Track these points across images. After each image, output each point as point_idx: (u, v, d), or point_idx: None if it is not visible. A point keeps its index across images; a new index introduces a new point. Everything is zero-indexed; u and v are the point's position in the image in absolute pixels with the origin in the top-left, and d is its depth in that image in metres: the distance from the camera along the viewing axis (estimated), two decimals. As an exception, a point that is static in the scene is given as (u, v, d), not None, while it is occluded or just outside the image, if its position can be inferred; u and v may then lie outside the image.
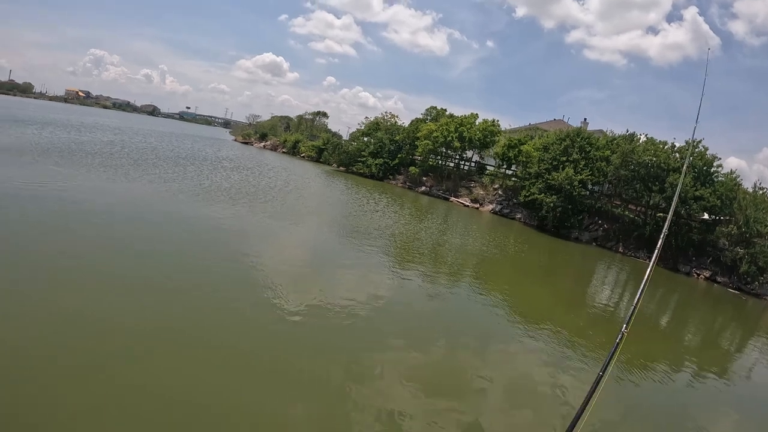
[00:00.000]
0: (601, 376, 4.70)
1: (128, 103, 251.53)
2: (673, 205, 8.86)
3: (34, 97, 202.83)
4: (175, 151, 56.88)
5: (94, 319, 10.40)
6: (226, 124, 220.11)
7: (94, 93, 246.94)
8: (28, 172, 25.24)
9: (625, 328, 5.12)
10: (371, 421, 8.80)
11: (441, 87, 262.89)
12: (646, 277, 5.86)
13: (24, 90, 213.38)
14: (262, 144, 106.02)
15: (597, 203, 45.40)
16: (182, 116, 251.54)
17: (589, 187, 45.21)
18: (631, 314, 5.35)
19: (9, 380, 7.89)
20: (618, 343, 5.05)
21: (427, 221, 36.42)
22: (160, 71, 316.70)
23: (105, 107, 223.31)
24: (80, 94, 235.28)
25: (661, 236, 6.56)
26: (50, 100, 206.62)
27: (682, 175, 9.94)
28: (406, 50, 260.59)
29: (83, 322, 10.22)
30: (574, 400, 10.97)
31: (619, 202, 45.69)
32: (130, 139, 62.69)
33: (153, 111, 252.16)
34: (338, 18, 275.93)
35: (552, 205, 42.81)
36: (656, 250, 6.36)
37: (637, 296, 5.79)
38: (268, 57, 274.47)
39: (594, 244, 42.93)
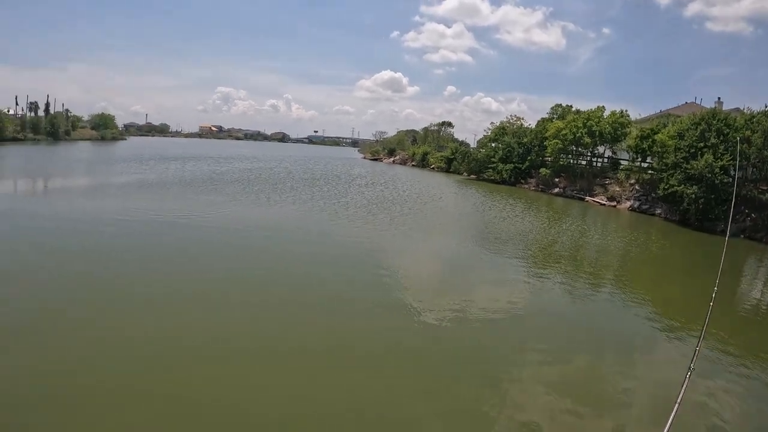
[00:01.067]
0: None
1: (258, 132, 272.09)
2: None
3: (171, 136, 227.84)
4: (309, 173, 62.91)
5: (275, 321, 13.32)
6: (354, 143, 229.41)
7: (225, 126, 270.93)
8: (181, 203, 31.04)
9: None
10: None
11: (563, 83, 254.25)
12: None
13: (161, 130, 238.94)
14: (391, 159, 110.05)
15: (742, 190, 42.74)
16: (311, 140, 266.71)
17: (732, 173, 43.03)
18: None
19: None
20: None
21: (564, 223, 36.91)
22: (285, 100, 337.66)
23: (237, 139, 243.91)
24: (213, 129, 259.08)
25: None
26: (186, 137, 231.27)
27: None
28: (521, 50, 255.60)
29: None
30: (733, 416, 10.28)
31: (765, 188, 43.00)
32: (266, 165, 69.91)
33: (282, 138, 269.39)
34: (449, 27, 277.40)
35: (693, 196, 41.27)
36: None
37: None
38: (387, 74, 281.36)
39: (742, 236, 39.88)
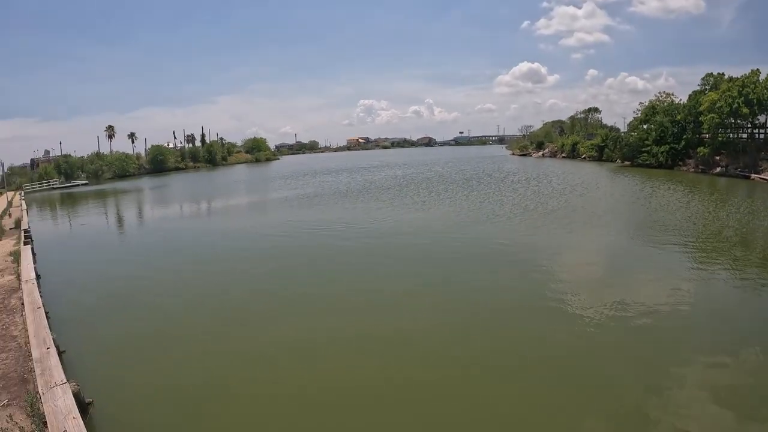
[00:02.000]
0: None
1: (405, 139, 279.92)
2: None
3: (321, 151, 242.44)
4: (459, 174, 65.78)
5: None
6: (501, 140, 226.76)
7: (372, 137, 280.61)
8: (352, 211, 35.18)
9: None
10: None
11: (710, 50, 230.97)
12: None
13: (311, 147, 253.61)
14: (540, 153, 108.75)
15: None
16: (457, 141, 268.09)
17: None
18: None
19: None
20: None
21: (729, 206, 33.97)
22: (427, 105, 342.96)
23: (385, 147, 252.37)
24: (360, 140, 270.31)
25: None
26: (336, 151, 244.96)
27: None
28: (660, 19, 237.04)
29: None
30: None
31: None
32: (416, 171, 73.07)
33: (429, 142, 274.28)
34: (579, 8, 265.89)
35: None
36: None
37: None
38: (524, 66, 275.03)
39: None
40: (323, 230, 29.08)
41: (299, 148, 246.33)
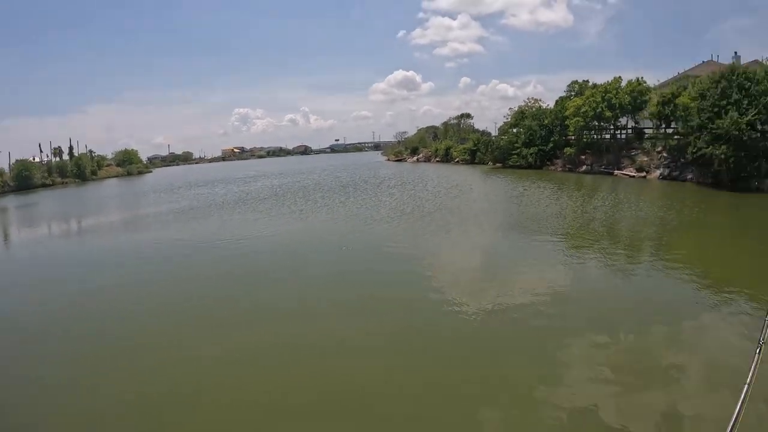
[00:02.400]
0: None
1: (281, 148, 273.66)
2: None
3: (196, 162, 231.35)
4: (336, 181, 63.68)
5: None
6: (377, 146, 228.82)
7: (247, 147, 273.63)
8: (219, 225, 32.60)
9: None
10: (564, 422, 8.77)
11: (577, 59, 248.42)
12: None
13: (185, 158, 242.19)
14: (415, 158, 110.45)
15: None
16: (333, 149, 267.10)
17: (759, 127, 42.24)
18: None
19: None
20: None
21: (595, 200, 36.33)
22: (303, 113, 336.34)
23: (261, 157, 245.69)
24: (235, 150, 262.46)
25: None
26: (211, 161, 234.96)
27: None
28: (530, 31, 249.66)
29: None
30: None
31: None
32: (293, 180, 70.93)
33: (305, 150, 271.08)
34: (454, 19, 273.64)
35: (723, 156, 40.48)
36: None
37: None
38: (400, 74, 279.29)
39: None
40: (201, 245, 26.55)
41: (173, 160, 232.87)
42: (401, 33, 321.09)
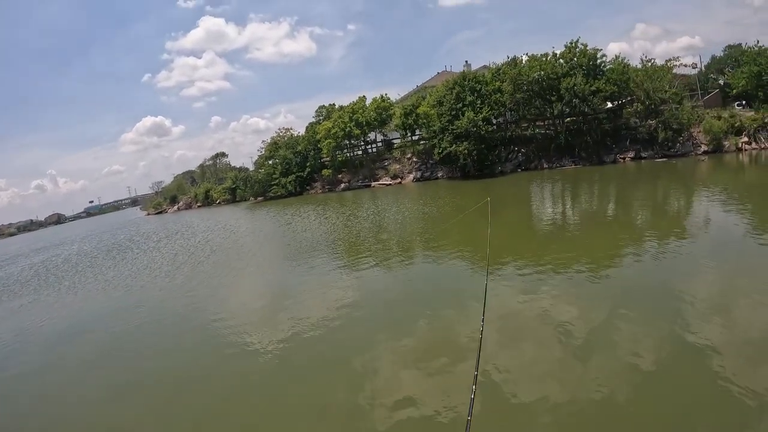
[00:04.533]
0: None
1: (31, 221, 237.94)
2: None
3: None
4: (87, 256, 53.34)
5: None
6: (134, 201, 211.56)
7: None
8: None
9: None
10: (391, 413, 8.77)
11: (323, 84, 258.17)
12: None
13: None
14: (176, 207, 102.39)
15: (507, 132, 45.87)
16: (88, 212, 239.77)
17: (494, 121, 45.35)
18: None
19: None
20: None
21: (360, 213, 35.92)
22: (50, 176, 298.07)
23: (11, 235, 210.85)
24: None
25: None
26: None
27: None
28: (276, 63, 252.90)
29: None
30: (564, 316, 11.31)
31: (526, 124, 46.21)
32: (53, 253, 58.69)
33: (58, 219, 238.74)
34: (199, 58, 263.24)
35: (466, 151, 42.98)
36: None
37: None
38: (148, 120, 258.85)
39: (519, 170, 43.71)
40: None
41: None
42: (146, 77, 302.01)
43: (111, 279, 28.30)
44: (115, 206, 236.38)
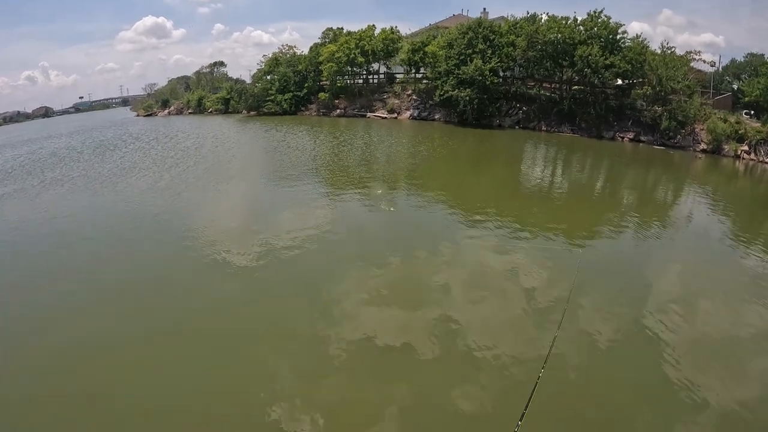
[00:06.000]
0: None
1: (19, 112, 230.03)
2: None
3: None
4: (74, 151, 51.51)
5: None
6: (125, 102, 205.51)
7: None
8: None
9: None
10: (349, 346, 9.15)
11: (333, 6, 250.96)
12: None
13: None
14: (166, 111, 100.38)
15: (512, 88, 45.16)
16: (77, 108, 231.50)
17: (501, 74, 44.70)
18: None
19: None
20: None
21: (351, 142, 35.69)
22: (42, 68, 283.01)
23: None
24: None
25: None
26: None
27: None
28: None
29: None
30: (531, 279, 11.87)
31: (533, 83, 45.51)
32: (30, 149, 56.56)
33: (46, 112, 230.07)
34: None
35: (468, 98, 42.36)
36: None
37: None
38: (149, 20, 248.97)
39: (517, 127, 43.36)
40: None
41: None
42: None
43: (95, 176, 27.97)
44: (105, 104, 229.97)
